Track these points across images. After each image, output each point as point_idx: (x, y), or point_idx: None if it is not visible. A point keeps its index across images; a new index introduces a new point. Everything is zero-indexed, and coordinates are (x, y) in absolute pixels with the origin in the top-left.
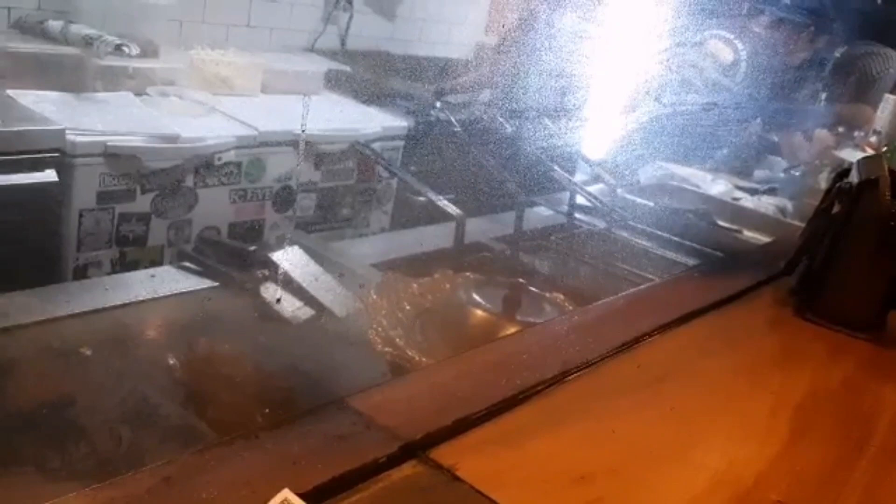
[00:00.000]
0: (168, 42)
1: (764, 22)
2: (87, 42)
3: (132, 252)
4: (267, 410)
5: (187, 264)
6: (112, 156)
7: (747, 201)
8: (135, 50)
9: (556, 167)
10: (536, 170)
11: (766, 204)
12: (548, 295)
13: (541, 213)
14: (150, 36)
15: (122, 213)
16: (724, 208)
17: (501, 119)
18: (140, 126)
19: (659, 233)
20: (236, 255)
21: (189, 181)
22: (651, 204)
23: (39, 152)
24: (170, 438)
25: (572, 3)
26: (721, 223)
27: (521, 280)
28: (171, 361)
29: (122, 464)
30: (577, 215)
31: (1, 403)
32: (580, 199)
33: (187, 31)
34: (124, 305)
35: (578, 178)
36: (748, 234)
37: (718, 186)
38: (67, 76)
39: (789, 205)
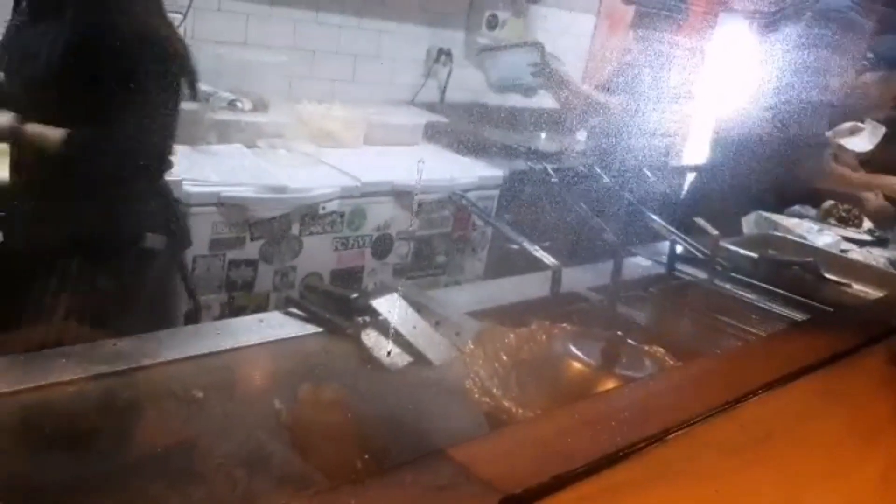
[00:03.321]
0: (278, 97)
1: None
2: (203, 97)
3: (240, 297)
4: (367, 458)
5: (293, 310)
6: (224, 205)
7: (856, 253)
8: (247, 105)
9: (654, 216)
10: (634, 219)
11: (876, 256)
12: (647, 348)
13: (639, 264)
14: (261, 91)
15: (231, 259)
16: (832, 260)
17: (598, 168)
18: (251, 177)
19: (763, 285)
20: (339, 302)
21: (295, 229)
22: (754, 255)
23: None
24: (279, 481)
25: (671, 52)
26: (829, 276)
27: (618, 333)
28: (278, 406)
29: None
30: (677, 266)
31: (120, 443)
32: (680, 250)
33: (296, 87)
34: (234, 350)
35: (678, 228)
36: (858, 287)
37: (825, 237)
38: (184, 129)
39: None
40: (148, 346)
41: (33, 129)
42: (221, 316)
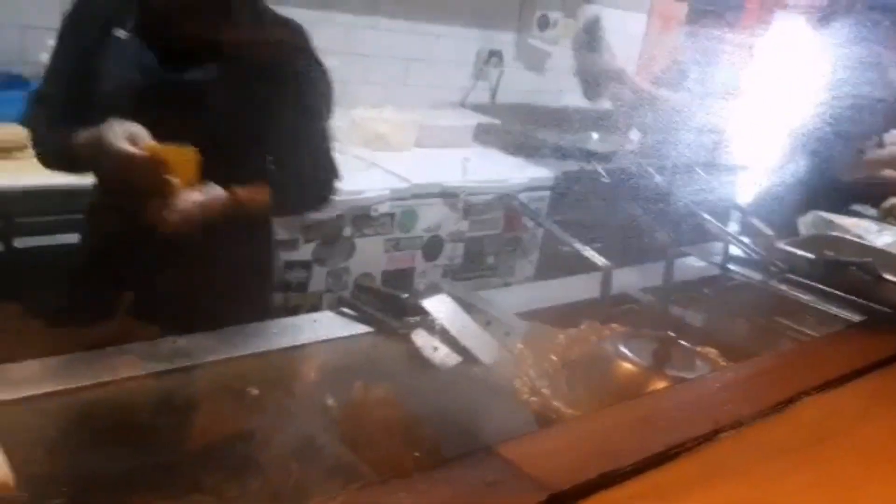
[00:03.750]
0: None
1: None
2: None
3: (295, 297)
4: (417, 454)
5: (345, 310)
6: None
7: None
8: None
9: (707, 217)
10: (687, 219)
11: None
12: (699, 349)
13: (692, 265)
14: None
15: (287, 261)
16: (891, 261)
17: (650, 168)
18: None
19: (819, 286)
20: (390, 302)
21: (347, 231)
22: (811, 256)
23: None
24: (330, 473)
25: (724, 49)
26: (887, 276)
27: (670, 333)
28: (330, 402)
29: (290, 496)
30: (730, 267)
31: (182, 435)
32: (734, 250)
33: (349, 91)
34: (289, 348)
35: (732, 228)
36: None
37: (885, 237)
38: None
39: None
40: (207, 343)
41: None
42: (277, 317)
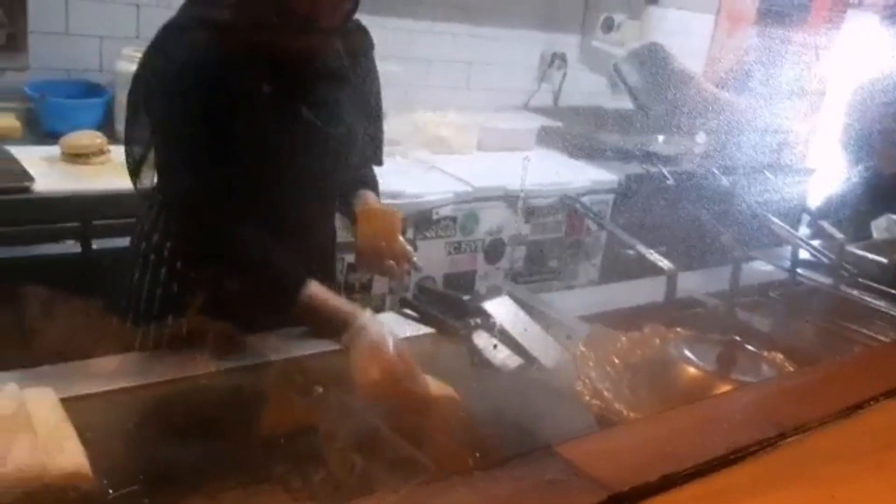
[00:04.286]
0: (394, 106)
1: None
2: None
3: (359, 299)
4: (478, 455)
5: (407, 311)
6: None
7: None
8: None
9: (776, 220)
10: (754, 222)
11: None
12: (765, 354)
13: (759, 268)
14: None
15: (350, 263)
16: None
17: (716, 171)
18: None
19: (891, 291)
20: (451, 304)
21: (409, 234)
22: (883, 260)
23: None
24: (391, 467)
25: (794, 50)
26: None
27: (736, 337)
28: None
29: (353, 488)
30: (799, 271)
31: (249, 429)
32: (803, 254)
33: (412, 95)
34: None
35: (801, 231)
36: None
37: None
38: None
39: None
40: (273, 342)
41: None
42: None
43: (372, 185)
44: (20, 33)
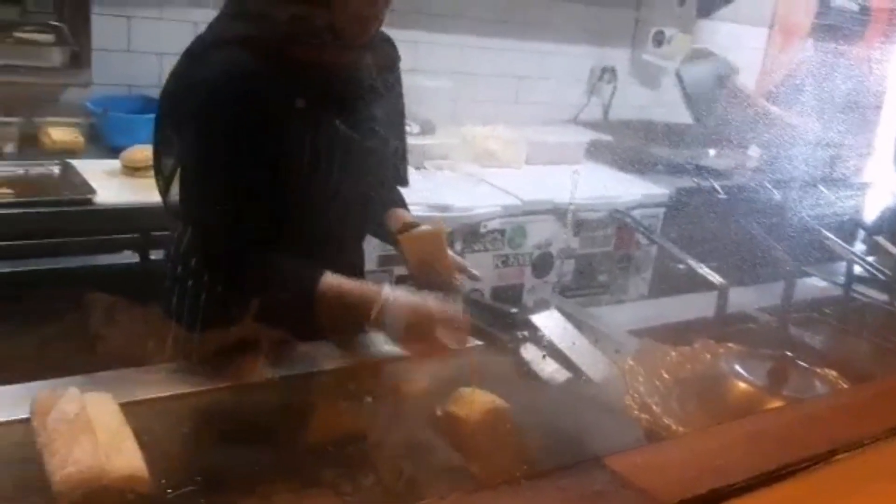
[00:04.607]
0: (443, 120)
1: None
2: None
3: None
4: (525, 467)
5: None
6: None
7: None
8: (416, 128)
9: (830, 235)
10: (807, 237)
11: None
12: (818, 371)
13: (813, 284)
14: (429, 115)
15: (399, 275)
16: None
17: (769, 185)
18: (418, 197)
19: None
20: (499, 317)
21: (457, 247)
22: None
23: None
24: (438, 474)
25: (850, 64)
26: None
27: (788, 353)
28: (439, 412)
29: (401, 495)
30: (854, 287)
31: (301, 435)
32: (858, 270)
33: (460, 109)
34: (400, 358)
35: (855, 247)
36: None
37: None
38: None
39: None
40: (325, 351)
41: None
42: None
43: (401, 203)
44: (84, 51)
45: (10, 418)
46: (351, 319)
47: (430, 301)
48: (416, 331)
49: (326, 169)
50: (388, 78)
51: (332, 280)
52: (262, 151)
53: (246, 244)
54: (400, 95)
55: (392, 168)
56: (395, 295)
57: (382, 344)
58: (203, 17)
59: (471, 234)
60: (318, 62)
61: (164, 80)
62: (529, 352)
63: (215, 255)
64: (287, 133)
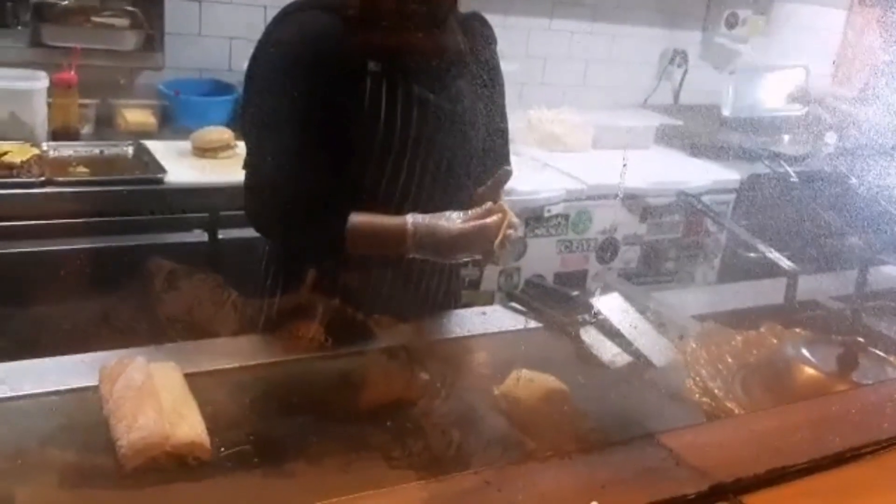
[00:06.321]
0: (510, 103)
1: None
2: None
3: (467, 295)
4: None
5: (515, 305)
6: None
7: None
8: None
9: None
10: (885, 225)
11: None
12: (891, 358)
13: (887, 273)
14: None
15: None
16: None
17: (845, 171)
18: None
19: None
20: (560, 300)
21: (520, 231)
22: None
23: None
24: (488, 445)
25: None
26: None
27: (859, 339)
28: (496, 392)
29: (451, 461)
30: None
31: (355, 407)
32: None
33: (527, 93)
34: (458, 338)
35: None
36: None
37: None
38: None
39: None
40: (385, 327)
41: None
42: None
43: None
44: (157, 35)
45: (79, 385)
46: (384, 251)
47: (453, 216)
48: (449, 246)
49: (402, 134)
50: (481, 55)
51: (360, 218)
52: (336, 110)
53: (314, 203)
54: (496, 74)
55: (489, 144)
56: (420, 219)
57: (441, 324)
58: (273, 2)
59: (534, 218)
60: (399, 28)
61: (233, 65)
62: (589, 335)
63: (281, 210)
64: (363, 94)
